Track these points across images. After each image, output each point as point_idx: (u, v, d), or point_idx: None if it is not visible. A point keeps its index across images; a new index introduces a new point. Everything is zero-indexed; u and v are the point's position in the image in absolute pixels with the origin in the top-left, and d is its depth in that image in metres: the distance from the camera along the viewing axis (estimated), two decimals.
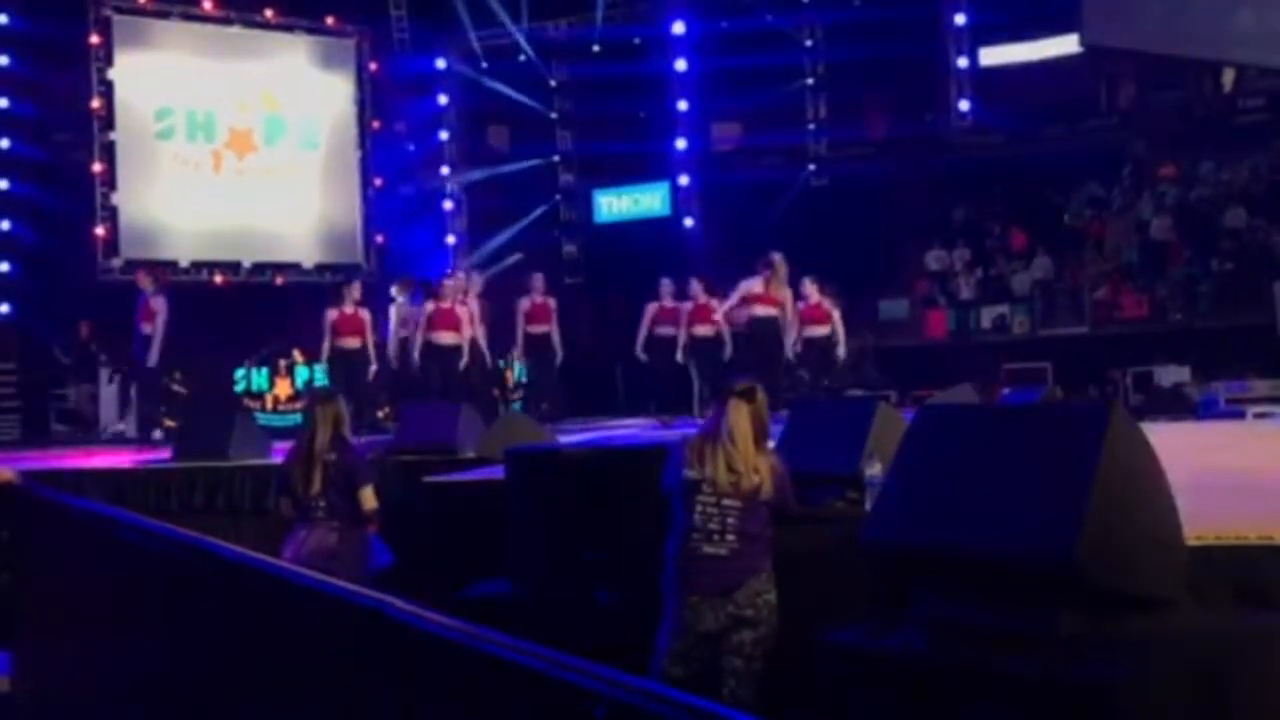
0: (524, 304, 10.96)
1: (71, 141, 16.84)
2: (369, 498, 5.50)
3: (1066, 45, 17.74)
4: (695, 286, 11.42)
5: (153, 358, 11.16)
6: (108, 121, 16.61)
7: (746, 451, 4.20)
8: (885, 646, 3.37)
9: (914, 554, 3.43)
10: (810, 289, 11.45)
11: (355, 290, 10.97)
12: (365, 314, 10.83)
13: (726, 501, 4.16)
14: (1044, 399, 9.43)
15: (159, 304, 11.19)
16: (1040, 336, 16.87)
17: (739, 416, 4.23)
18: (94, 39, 16.56)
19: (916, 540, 3.40)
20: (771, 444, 4.52)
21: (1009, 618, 3.15)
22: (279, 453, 7.71)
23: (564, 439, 8.70)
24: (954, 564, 3.30)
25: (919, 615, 3.39)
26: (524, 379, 13.39)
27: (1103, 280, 17.15)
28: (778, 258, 10.95)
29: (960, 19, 18.78)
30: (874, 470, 4.52)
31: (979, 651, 3.18)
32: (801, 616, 4.04)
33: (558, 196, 20.65)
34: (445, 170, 19.97)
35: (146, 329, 11.17)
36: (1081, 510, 3.03)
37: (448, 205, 19.97)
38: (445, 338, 10.68)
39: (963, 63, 18.90)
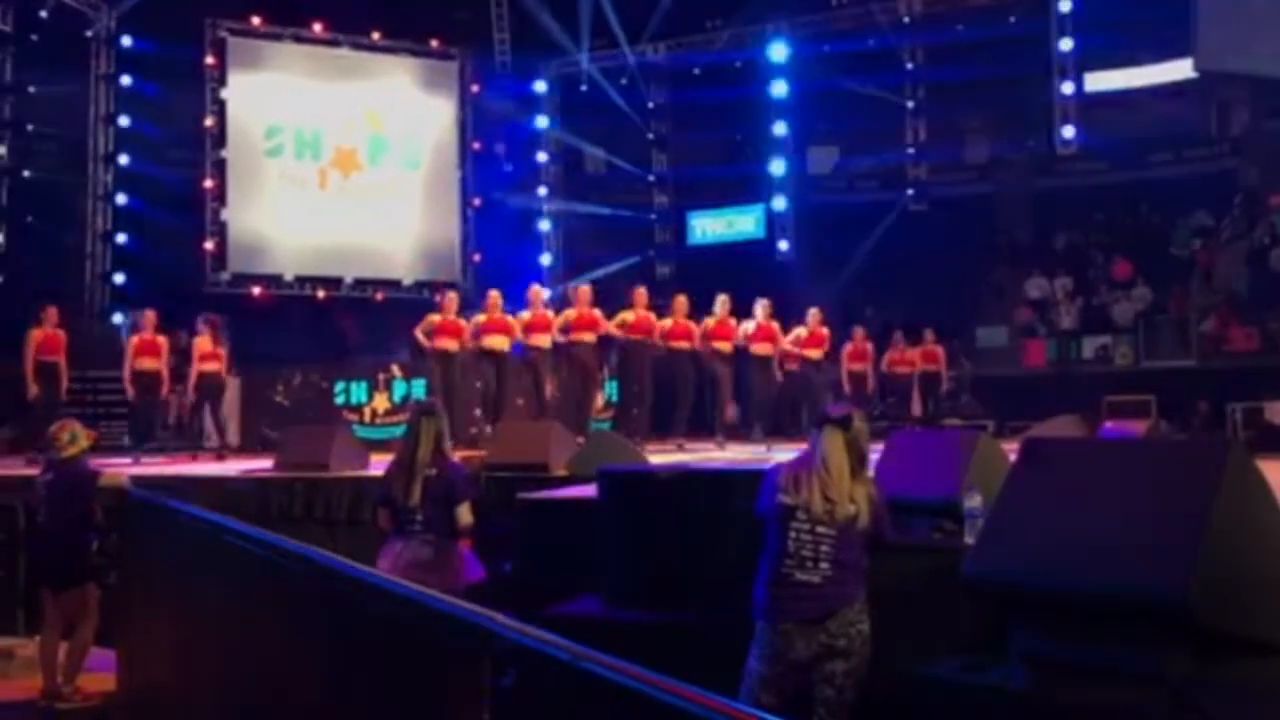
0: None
1: (185, 159, 17.46)
2: (465, 514, 5.54)
3: (1175, 71, 17.31)
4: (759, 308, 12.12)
5: None
6: (220, 139, 17.23)
7: (841, 480, 4.14)
8: (985, 682, 3.30)
9: (1018, 589, 3.34)
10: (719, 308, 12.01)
11: (453, 302, 11.35)
12: (463, 321, 11.25)
13: (821, 529, 4.10)
14: (1149, 432, 9.16)
15: None
16: (1144, 369, 16.39)
17: (834, 444, 4.18)
18: (210, 60, 17.20)
19: (1021, 575, 3.32)
20: (871, 472, 4.46)
21: (1116, 658, 3.05)
22: (378, 465, 7.85)
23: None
24: (1059, 601, 3.21)
25: (1020, 652, 3.30)
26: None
27: (1210, 311, 16.61)
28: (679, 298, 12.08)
29: (1066, 44, 18.36)
30: (974, 502, 4.41)
31: (1084, 692, 3.09)
32: (894, 647, 3.97)
33: (652, 217, 20.77)
34: (543, 191, 20.23)
35: None
36: (1195, 550, 2.93)
37: (544, 225, 20.21)
38: (541, 340, 11.03)
39: (1068, 88, 18.47)
